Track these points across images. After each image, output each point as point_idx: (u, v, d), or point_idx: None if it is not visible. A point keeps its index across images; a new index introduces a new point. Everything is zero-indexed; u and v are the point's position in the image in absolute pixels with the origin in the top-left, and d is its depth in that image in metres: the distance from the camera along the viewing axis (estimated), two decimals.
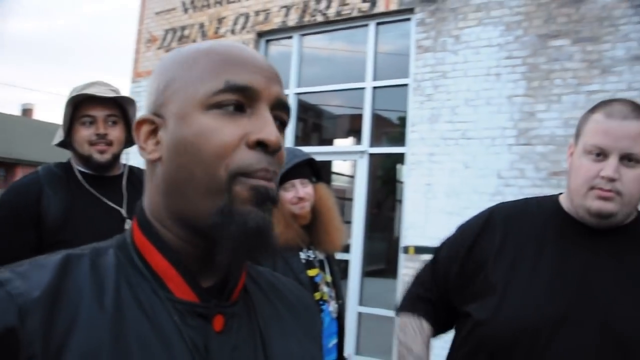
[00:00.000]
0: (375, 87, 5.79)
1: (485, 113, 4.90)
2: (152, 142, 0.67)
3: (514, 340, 1.18)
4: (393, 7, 5.58)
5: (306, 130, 7.44)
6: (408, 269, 5.04)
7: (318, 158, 2.17)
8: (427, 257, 5.12)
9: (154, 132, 0.67)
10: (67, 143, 1.85)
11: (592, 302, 1.16)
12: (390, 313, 5.31)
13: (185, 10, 7.13)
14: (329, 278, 2.09)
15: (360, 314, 5.51)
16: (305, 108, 6.92)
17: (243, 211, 0.61)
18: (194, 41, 6.38)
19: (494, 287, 1.25)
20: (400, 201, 6.16)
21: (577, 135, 1.27)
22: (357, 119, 6.08)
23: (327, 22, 6.07)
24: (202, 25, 6.93)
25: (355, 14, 5.82)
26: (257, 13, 6.49)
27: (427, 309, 1.44)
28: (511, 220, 1.33)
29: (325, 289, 2.03)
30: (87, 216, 1.74)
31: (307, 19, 6.14)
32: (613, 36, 4.41)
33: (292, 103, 6.28)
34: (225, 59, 0.65)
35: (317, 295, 1.99)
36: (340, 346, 2.08)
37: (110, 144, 1.81)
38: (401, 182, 5.86)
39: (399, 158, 5.87)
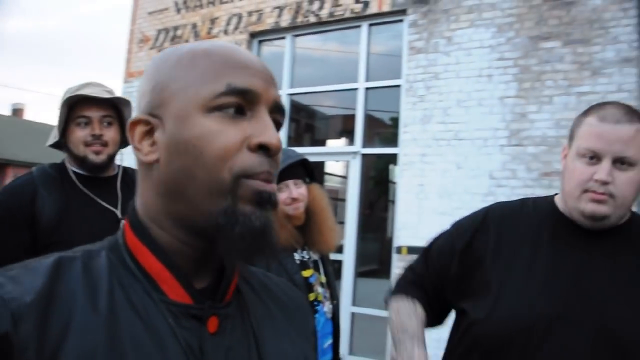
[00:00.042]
0: (367, 88, 5.81)
1: (477, 114, 4.93)
2: (147, 143, 0.66)
3: (508, 340, 1.19)
4: (386, 8, 5.60)
5: (299, 130, 7.45)
6: (401, 269, 5.04)
7: (311, 159, 2.18)
8: None
9: (149, 132, 0.66)
10: (61, 144, 1.85)
11: (586, 301, 1.17)
12: (384, 313, 5.31)
13: (178, 11, 7.12)
14: (323, 279, 2.10)
15: (353, 314, 5.52)
16: (297, 109, 6.92)
17: (247, 212, 0.62)
18: (187, 41, 6.37)
19: (488, 287, 1.26)
20: (392, 202, 6.18)
21: (571, 137, 1.28)
22: (349, 119, 6.09)
23: (320, 23, 6.08)
24: (194, 26, 6.92)
25: (348, 15, 5.84)
26: (250, 13, 6.49)
27: (420, 295, 1.43)
28: (507, 220, 1.35)
29: (319, 289, 2.04)
30: (82, 217, 1.74)
31: (300, 19, 6.15)
32: (603, 38, 4.45)
33: (285, 104, 6.28)
34: (225, 62, 0.65)
35: (312, 296, 2.00)
36: (335, 346, 2.08)
37: (105, 144, 1.81)
38: (394, 183, 5.89)
39: (392, 159, 5.89)
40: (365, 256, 6.04)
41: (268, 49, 6.67)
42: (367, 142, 5.84)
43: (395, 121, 5.70)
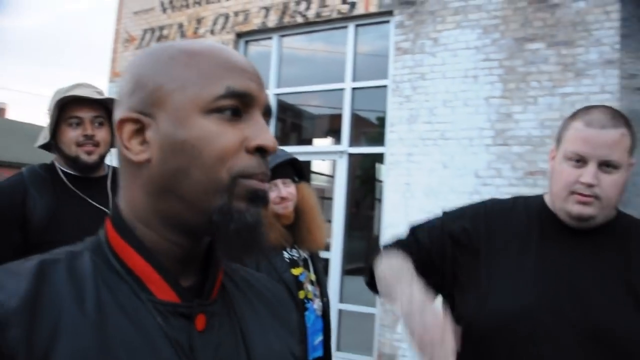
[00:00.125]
0: (354, 88, 5.84)
1: (463, 114, 4.98)
2: (137, 141, 0.65)
3: (497, 333, 1.23)
4: (372, 9, 5.63)
5: (285, 130, 7.47)
6: None
7: (298, 158, 2.20)
8: None
9: (138, 131, 0.65)
10: (51, 145, 1.85)
11: (573, 297, 1.21)
12: (371, 310, 5.37)
13: (164, 10, 7.09)
14: (313, 276, 2.12)
15: (340, 311, 5.55)
16: (284, 108, 6.95)
17: (241, 209, 0.63)
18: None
19: (478, 280, 1.30)
20: (379, 200, 6.23)
21: (559, 140, 1.32)
22: (336, 119, 6.12)
23: (307, 24, 6.10)
24: (181, 26, 6.90)
25: (334, 15, 5.86)
26: (236, 14, 6.49)
27: (408, 258, 1.40)
28: (499, 217, 1.38)
29: (309, 287, 2.06)
30: (73, 217, 1.74)
31: (286, 20, 6.16)
32: (586, 41, 4.53)
33: (272, 103, 6.28)
34: (222, 64, 0.65)
35: (302, 294, 2.01)
36: (326, 343, 2.10)
37: (97, 144, 1.82)
38: (380, 182, 5.93)
39: (378, 158, 5.92)
40: (352, 254, 6.08)
41: (254, 48, 6.68)
42: (353, 142, 5.87)
43: (381, 121, 5.74)
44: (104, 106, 1.84)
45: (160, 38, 7.02)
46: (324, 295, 2.14)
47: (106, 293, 0.62)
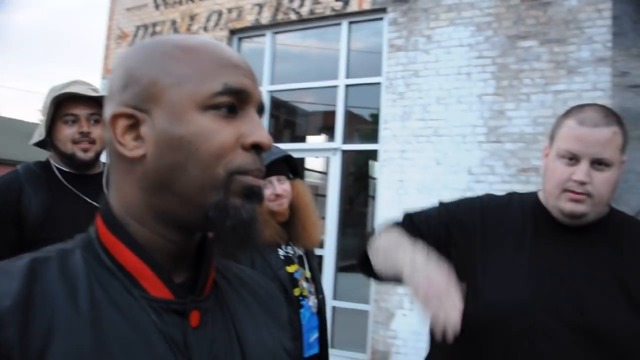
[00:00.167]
0: (348, 85, 5.84)
1: (456, 111, 5.00)
2: (130, 137, 0.64)
3: (492, 326, 1.24)
4: (366, 6, 5.64)
5: (278, 127, 7.46)
6: None
7: (292, 155, 2.20)
8: None
9: (132, 127, 0.64)
10: (46, 142, 1.85)
11: (565, 291, 1.23)
12: (364, 307, 5.39)
13: (157, 7, 7.07)
14: (308, 273, 2.12)
15: (334, 308, 5.57)
16: (278, 105, 6.94)
17: (236, 205, 0.64)
18: None
19: (474, 274, 1.31)
20: (372, 197, 6.24)
21: (552, 138, 1.34)
22: (329, 116, 6.12)
23: (300, 21, 6.09)
24: (174, 22, 6.87)
25: (328, 12, 5.86)
26: (229, 10, 6.47)
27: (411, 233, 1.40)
28: (496, 212, 1.40)
29: (304, 284, 2.06)
30: (68, 214, 1.74)
31: (280, 17, 6.15)
32: (578, 38, 4.55)
33: (265, 100, 6.29)
34: (219, 60, 0.65)
35: (297, 291, 2.01)
36: (322, 340, 2.10)
37: (93, 142, 1.82)
38: (373, 179, 5.94)
39: (372, 154, 5.94)
40: (346, 251, 6.09)
41: (248, 45, 6.67)
42: (347, 139, 5.88)
43: (375, 118, 5.75)
44: (99, 103, 1.84)
45: (153, 35, 6.99)
46: (319, 292, 2.14)
47: (99, 290, 0.61)
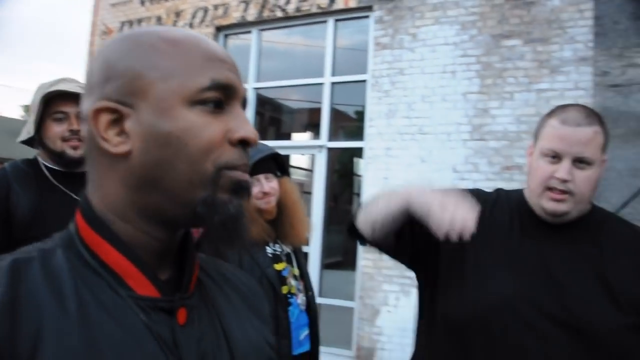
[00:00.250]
0: (333, 83, 5.86)
1: (440, 109, 5.04)
2: (114, 132, 0.63)
3: (477, 324, 1.27)
4: (352, 4, 5.65)
5: (264, 124, 7.45)
6: (367, 260, 5.15)
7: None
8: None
9: (115, 122, 0.63)
10: (34, 140, 1.84)
11: (549, 286, 1.26)
12: (349, 304, 5.41)
13: (142, 3, 7.01)
14: (296, 271, 2.12)
15: (319, 305, 5.57)
16: (263, 102, 6.93)
17: (224, 200, 0.63)
18: None
19: (461, 270, 1.34)
20: (357, 194, 6.27)
21: (536, 137, 1.37)
22: (315, 113, 6.13)
23: (287, 18, 6.09)
24: (159, 19, 6.82)
25: (314, 10, 5.86)
26: (215, 7, 6.44)
27: None
28: (485, 208, 1.43)
29: (293, 282, 2.06)
30: (57, 212, 1.73)
31: (266, 14, 6.14)
32: (561, 38, 4.62)
33: (251, 98, 6.28)
34: (205, 54, 0.64)
35: (285, 289, 2.01)
36: (314, 337, 2.10)
37: (82, 139, 1.81)
38: (358, 176, 5.96)
39: (357, 152, 5.96)
40: (331, 248, 6.11)
41: (234, 42, 6.65)
42: (332, 136, 5.89)
43: (360, 115, 5.77)
44: None
45: None
46: (308, 290, 2.14)
47: (85, 291, 0.60)
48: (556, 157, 1.28)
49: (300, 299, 2.07)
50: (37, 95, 1.77)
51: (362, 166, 5.58)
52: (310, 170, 6.23)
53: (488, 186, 1.55)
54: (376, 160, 5.29)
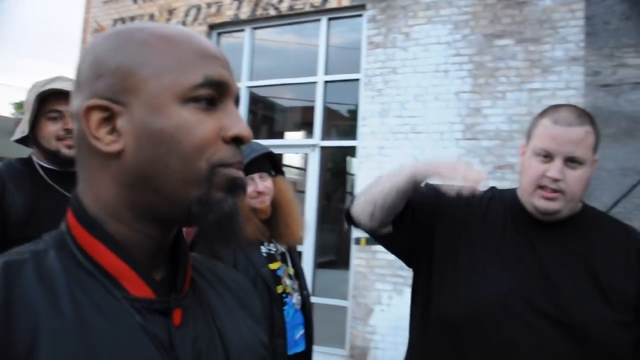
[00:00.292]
0: (327, 82, 5.86)
1: (433, 108, 5.06)
2: (105, 130, 0.61)
3: (471, 320, 1.29)
4: (345, 3, 5.66)
5: (256, 123, 7.44)
6: (360, 259, 5.16)
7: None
8: (379, 247, 5.18)
9: (107, 120, 0.62)
10: (28, 139, 1.83)
11: (542, 284, 1.28)
12: (342, 303, 5.42)
13: (135, 0, 6.98)
14: (291, 270, 2.11)
15: (312, 304, 5.59)
16: (256, 101, 6.92)
17: (219, 199, 0.63)
18: None
19: (455, 268, 1.36)
20: (350, 193, 6.28)
21: (528, 137, 1.39)
22: (308, 112, 6.13)
23: (280, 16, 6.09)
24: (152, 16, 6.79)
25: (307, 8, 5.87)
26: (208, 5, 6.43)
27: None
28: (479, 206, 1.45)
29: (287, 281, 2.05)
30: (52, 211, 1.72)
31: (259, 12, 6.14)
32: (552, 38, 4.64)
33: (244, 96, 6.27)
34: (197, 51, 0.64)
35: (280, 289, 2.00)
36: (308, 337, 2.10)
37: None
38: (351, 175, 5.97)
39: (349, 151, 5.97)
40: (324, 247, 6.11)
41: (227, 40, 6.64)
42: (325, 135, 5.90)
43: (353, 114, 5.78)
44: None
45: None
46: (303, 289, 2.13)
47: (80, 293, 0.59)
48: (548, 156, 1.30)
49: (295, 298, 2.07)
50: (32, 94, 1.76)
51: (355, 165, 5.59)
52: (303, 169, 6.23)
53: (480, 185, 1.56)
54: (369, 159, 5.30)
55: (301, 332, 2.07)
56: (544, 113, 1.37)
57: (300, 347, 2.05)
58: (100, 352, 0.56)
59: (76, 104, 0.63)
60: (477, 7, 4.97)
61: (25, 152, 1.91)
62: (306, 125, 6.48)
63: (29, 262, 0.59)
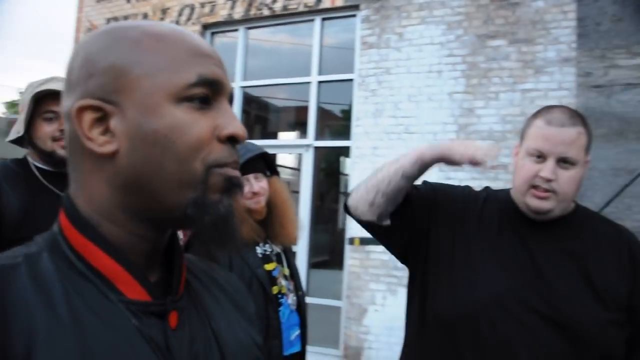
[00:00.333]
0: (320, 82, 5.87)
1: (427, 109, 5.07)
2: (98, 131, 0.60)
3: (467, 319, 1.31)
4: (339, 3, 5.67)
5: (250, 123, 7.44)
6: (354, 259, 5.17)
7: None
8: (373, 247, 5.20)
9: (100, 120, 0.60)
10: (23, 139, 1.83)
11: (535, 283, 1.30)
12: (336, 303, 5.43)
13: (128, 0, 6.97)
14: (286, 271, 2.11)
15: (306, 305, 5.59)
16: (249, 101, 6.91)
17: (215, 201, 0.62)
18: None
19: (451, 267, 1.37)
20: (343, 193, 6.29)
21: (522, 137, 1.41)
22: (302, 112, 6.14)
23: (273, 16, 6.09)
24: (145, 16, 6.77)
25: (301, 8, 5.87)
26: (202, 5, 6.42)
27: None
28: (475, 206, 1.47)
29: (283, 282, 2.05)
30: (47, 212, 1.72)
31: (253, 12, 6.14)
32: (545, 39, 4.67)
33: (238, 96, 6.27)
34: (191, 50, 0.63)
35: (275, 289, 2.00)
36: (303, 337, 2.10)
37: None
38: (344, 175, 5.98)
39: (343, 151, 5.98)
40: (317, 247, 6.12)
41: (220, 40, 6.63)
42: (319, 135, 5.91)
43: (347, 114, 5.79)
44: None
45: None
46: (298, 289, 2.13)
47: (76, 297, 0.58)
48: (541, 156, 1.32)
49: (291, 299, 2.06)
50: (27, 94, 1.76)
51: (349, 165, 5.60)
52: (297, 169, 6.23)
53: (473, 185, 1.59)
54: (363, 159, 5.31)
55: (297, 332, 2.07)
56: (537, 114, 1.38)
57: (296, 348, 2.05)
58: (98, 356, 0.56)
59: (67, 104, 0.62)
60: (470, 8, 4.99)
61: (20, 152, 1.90)
62: (300, 126, 6.48)
63: (22, 265, 0.58)
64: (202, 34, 6.44)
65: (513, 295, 1.29)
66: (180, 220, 0.63)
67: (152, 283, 0.64)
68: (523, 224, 1.39)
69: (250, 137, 6.58)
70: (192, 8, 6.48)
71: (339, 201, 6.97)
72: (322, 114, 6.00)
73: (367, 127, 5.33)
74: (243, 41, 6.36)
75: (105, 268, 0.60)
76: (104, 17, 7.10)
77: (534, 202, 1.32)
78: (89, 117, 0.60)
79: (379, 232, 1.48)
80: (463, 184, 1.57)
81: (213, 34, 6.58)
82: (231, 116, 0.64)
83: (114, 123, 0.60)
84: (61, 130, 1.77)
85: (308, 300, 5.71)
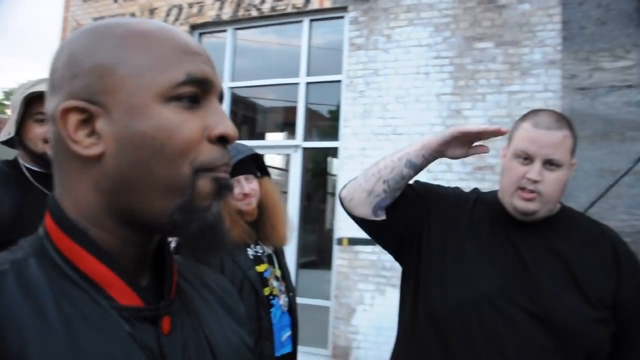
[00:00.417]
0: (309, 83, 5.89)
1: (414, 110, 5.11)
2: (84, 133, 0.58)
3: (457, 317, 1.33)
4: (327, 4, 5.69)
5: (238, 123, 7.44)
6: (342, 259, 5.19)
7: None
8: (361, 248, 5.24)
9: (85, 122, 0.58)
10: (14, 140, 1.82)
11: (523, 282, 1.33)
12: (325, 303, 5.45)
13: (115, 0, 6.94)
14: (278, 272, 2.11)
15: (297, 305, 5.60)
16: (238, 101, 6.91)
17: (203, 207, 0.60)
18: None
19: (443, 266, 1.40)
20: (331, 194, 6.31)
21: (510, 139, 1.44)
22: (290, 112, 6.15)
23: (262, 17, 6.09)
24: (133, 16, 6.75)
25: (289, 9, 5.88)
26: (190, 5, 6.41)
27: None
28: (464, 208, 1.49)
29: (274, 283, 2.05)
30: (38, 214, 1.72)
31: (241, 13, 6.14)
32: (531, 41, 4.73)
33: (226, 97, 6.27)
34: (178, 47, 0.60)
35: (267, 290, 2.00)
36: (294, 339, 2.10)
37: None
38: (332, 175, 6.00)
39: (331, 152, 6.00)
40: (305, 248, 6.13)
41: (208, 41, 6.62)
42: (307, 136, 5.92)
43: (335, 115, 5.81)
44: None
45: None
46: (290, 291, 2.13)
47: (67, 305, 0.56)
48: (528, 158, 1.35)
49: (283, 300, 2.07)
50: (18, 96, 1.75)
51: (337, 166, 5.62)
52: (285, 170, 6.24)
53: (461, 186, 1.62)
54: (351, 160, 5.34)
55: (288, 333, 2.07)
56: (525, 117, 1.42)
57: (287, 349, 2.06)
58: None
59: (51, 105, 0.60)
60: (458, 10, 5.04)
61: (10, 153, 1.89)
62: (288, 126, 6.49)
63: (9, 273, 0.55)
64: (190, 34, 6.39)
65: (503, 294, 1.32)
66: (166, 227, 0.60)
67: (143, 288, 0.63)
68: (511, 225, 1.42)
69: (239, 138, 6.60)
70: (180, 8, 6.47)
71: (326, 202, 6.98)
72: (311, 114, 6.02)
73: (355, 128, 5.36)
74: (231, 42, 6.35)
75: (95, 274, 0.59)
76: (91, 17, 7.04)
77: (520, 204, 1.36)
78: (74, 118, 0.58)
79: (372, 227, 1.49)
80: (451, 184, 1.61)
81: (201, 34, 6.57)
82: (221, 115, 0.62)
83: (100, 125, 0.58)
84: None
85: (297, 300, 5.74)
